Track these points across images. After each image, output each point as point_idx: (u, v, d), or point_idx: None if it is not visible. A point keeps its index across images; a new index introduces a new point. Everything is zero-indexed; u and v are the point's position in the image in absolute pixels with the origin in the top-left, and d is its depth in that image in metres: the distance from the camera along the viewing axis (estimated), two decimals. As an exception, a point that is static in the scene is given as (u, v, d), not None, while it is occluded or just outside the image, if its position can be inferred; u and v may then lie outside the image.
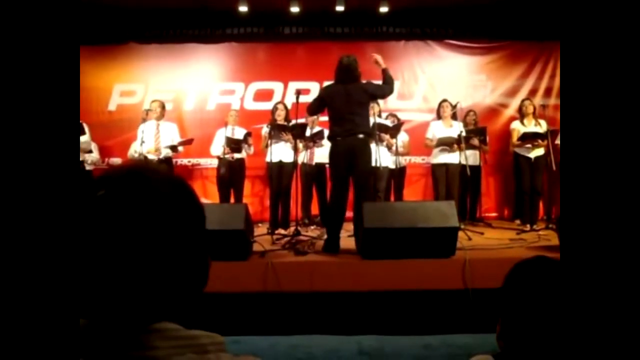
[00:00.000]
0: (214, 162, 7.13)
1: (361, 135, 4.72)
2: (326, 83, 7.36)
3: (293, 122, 6.33)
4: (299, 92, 5.68)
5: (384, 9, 7.35)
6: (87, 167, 6.72)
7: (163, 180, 0.76)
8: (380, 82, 5.03)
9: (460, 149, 6.39)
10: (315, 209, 7.03)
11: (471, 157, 6.68)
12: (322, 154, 6.64)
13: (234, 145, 6.57)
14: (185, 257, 0.75)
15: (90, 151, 6.67)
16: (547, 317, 1.15)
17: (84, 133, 6.18)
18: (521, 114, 6.68)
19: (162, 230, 0.72)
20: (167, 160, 6.49)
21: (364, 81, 4.90)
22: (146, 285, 0.71)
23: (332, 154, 4.79)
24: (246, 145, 6.72)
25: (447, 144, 6.51)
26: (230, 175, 6.69)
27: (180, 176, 0.82)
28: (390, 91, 5.16)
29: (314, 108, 5.01)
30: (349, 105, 4.68)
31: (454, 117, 6.80)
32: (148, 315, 0.72)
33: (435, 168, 6.72)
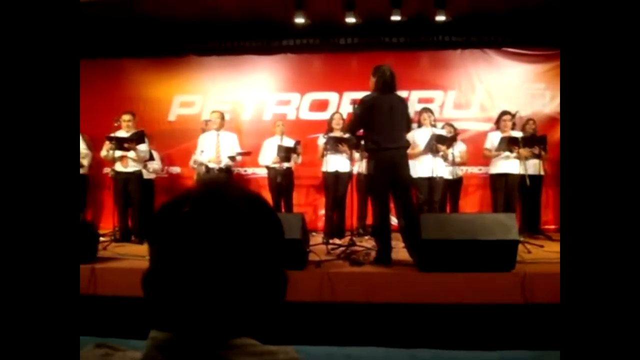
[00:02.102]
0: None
1: (402, 147, 4.69)
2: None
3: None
4: (355, 102, 5.68)
5: (440, 18, 7.27)
6: (147, 176, 6.92)
7: (242, 198, 0.78)
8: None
9: (520, 155, 6.20)
10: (370, 219, 7.00)
11: (531, 167, 6.49)
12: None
13: (284, 153, 6.63)
14: (264, 273, 0.77)
15: (152, 159, 6.86)
16: None
17: (144, 141, 6.36)
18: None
19: (243, 246, 0.74)
20: (227, 169, 6.60)
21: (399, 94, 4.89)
22: (227, 300, 0.73)
23: (375, 166, 4.71)
24: (295, 155, 6.78)
25: (510, 142, 6.30)
26: (281, 185, 6.77)
27: (257, 192, 0.84)
28: (407, 131, 5.09)
29: (358, 124, 4.89)
30: (391, 117, 4.63)
31: (513, 126, 6.66)
32: (228, 331, 0.73)
33: (494, 178, 6.57)
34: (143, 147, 6.40)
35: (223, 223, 0.74)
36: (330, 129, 6.58)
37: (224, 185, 0.80)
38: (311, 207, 7.91)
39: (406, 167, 4.74)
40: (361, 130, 4.93)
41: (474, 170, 7.69)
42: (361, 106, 4.79)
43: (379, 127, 4.65)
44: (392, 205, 4.78)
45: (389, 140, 4.61)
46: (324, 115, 7.46)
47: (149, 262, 0.78)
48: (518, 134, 6.48)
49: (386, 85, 4.69)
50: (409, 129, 5.06)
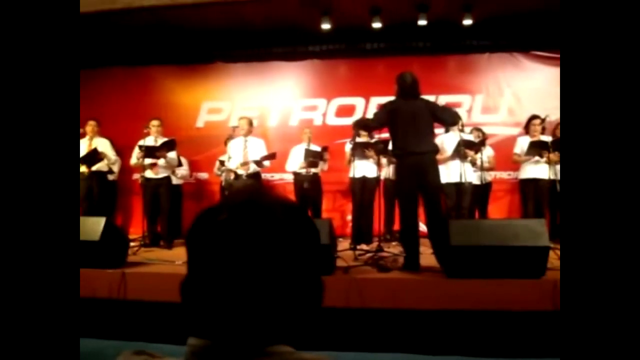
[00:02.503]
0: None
1: (428, 153, 4.66)
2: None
3: (376, 137, 6.34)
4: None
5: (467, 22, 7.22)
6: (175, 182, 7.00)
7: (279, 205, 0.78)
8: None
9: (549, 160, 6.11)
10: (397, 225, 6.96)
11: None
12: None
13: (312, 158, 6.64)
14: (301, 280, 0.77)
15: (180, 165, 6.94)
16: None
17: (174, 149, 6.45)
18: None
19: (280, 253, 0.74)
20: (256, 175, 6.64)
21: (425, 98, 4.86)
22: (264, 307, 0.73)
23: (400, 171, 4.73)
24: (322, 161, 6.78)
25: (540, 147, 6.21)
26: (309, 191, 6.77)
27: (293, 200, 0.85)
28: (453, 121, 5.13)
29: (378, 122, 4.94)
30: (415, 122, 4.62)
31: (542, 130, 6.56)
32: (265, 338, 0.73)
33: (524, 184, 6.49)
34: (172, 155, 6.51)
35: (260, 230, 0.74)
36: (357, 135, 6.56)
37: (261, 192, 0.81)
38: (338, 213, 7.91)
39: (435, 172, 4.70)
40: (386, 135, 4.96)
41: (503, 175, 7.61)
42: (382, 108, 4.89)
43: (403, 133, 4.66)
44: (421, 210, 4.76)
45: (413, 145, 4.60)
46: (350, 121, 7.45)
47: (186, 269, 0.78)
48: (547, 138, 6.38)
49: (407, 92, 4.72)
50: (446, 118, 5.02)
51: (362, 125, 5.54)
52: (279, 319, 0.75)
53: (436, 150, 4.85)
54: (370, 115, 7.50)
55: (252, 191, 0.81)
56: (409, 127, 4.62)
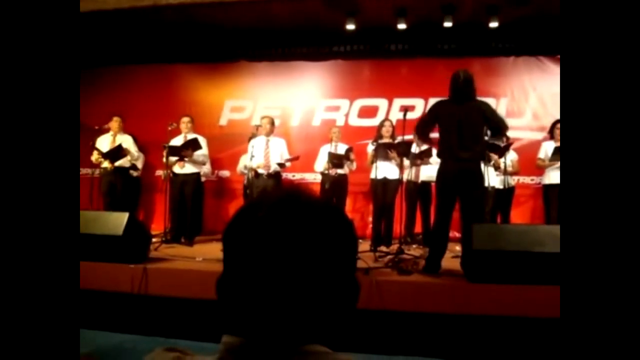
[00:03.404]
0: (318, 177, 7.25)
1: (474, 157, 4.55)
2: (432, 100, 7.31)
3: (399, 139, 6.31)
4: (406, 109, 5.63)
5: (493, 24, 7.14)
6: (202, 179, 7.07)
7: (317, 204, 0.78)
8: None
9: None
10: (418, 228, 6.92)
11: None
12: (428, 172, 6.55)
13: (336, 160, 6.63)
14: (337, 280, 0.76)
15: (204, 163, 7.01)
16: None
17: (200, 147, 6.51)
18: None
19: (317, 252, 0.74)
20: (276, 175, 6.66)
21: (480, 99, 4.72)
22: (301, 306, 0.73)
23: (441, 173, 4.66)
24: (348, 162, 6.76)
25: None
26: (333, 191, 6.75)
27: (330, 200, 0.84)
28: (501, 132, 5.04)
29: (425, 127, 4.82)
30: (463, 125, 4.50)
31: (567, 136, 6.48)
32: (301, 337, 0.73)
33: (548, 189, 6.40)
34: (201, 152, 6.62)
35: (299, 228, 0.74)
36: (380, 136, 6.54)
37: (300, 191, 0.80)
38: (359, 214, 7.88)
39: (479, 179, 4.60)
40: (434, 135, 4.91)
41: (527, 180, 7.52)
42: (428, 112, 4.80)
43: (446, 136, 4.57)
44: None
45: (456, 150, 4.51)
46: (373, 122, 7.44)
47: (223, 266, 0.78)
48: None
49: (458, 93, 4.58)
50: (500, 131, 4.94)
51: (419, 135, 5.35)
52: (315, 318, 0.74)
53: (481, 156, 4.74)
54: (392, 116, 7.50)
55: (290, 189, 0.80)
56: (452, 132, 4.51)
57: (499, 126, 4.78)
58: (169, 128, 6.52)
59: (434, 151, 5.96)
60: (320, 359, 0.72)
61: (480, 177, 4.64)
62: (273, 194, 0.81)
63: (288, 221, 0.74)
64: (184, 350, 0.79)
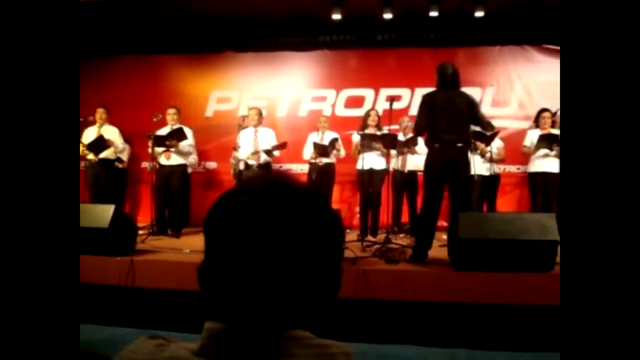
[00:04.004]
0: (305, 167, 7.24)
1: (461, 145, 4.62)
2: (418, 89, 7.33)
3: (385, 129, 6.32)
4: (392, 99, 5.64)
5: (479, 13, 7.15)
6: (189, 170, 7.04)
7: (301, 191, 0.78)
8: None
9: (560, 154, 6.05)
10: (405, 217, 6.95)
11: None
12: (414, 161, 6.59)
13: (321, 150, 6.63)
14: (320, 265, 0.77)
15: (191, 153, 6.98)
16: None
17: (185, 138, 6.46)
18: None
19: (300, 238, 0.74)
20: (267, 165, 6.64)
21: (465, 91, 4.81)
22: (284, 291, 0.73)
23: (429, 162, 4.70)
24: (335, 151, 6.76)
25: (550, 140, 6.17)
26: (320, 180, 6.75)
27: (314, 187, 0.84)
28: (489, 129, 5.17)
29: (422, 119, 4.72)
30: (450, 113, 4.58)
31: (552, 124, 6.51)
32: (284, 322, 0.73)
33: (533, 177, 6.45)
34: (187, 143, 6.56)
35: (281, 213, 0.74)
36: (365, 126, 6.55)
37: (283, 177, 0.80)
38: (346, 204, 7.90)
39: (466, 166, 4.68)
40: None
41: (512, 169, 7.57)
42: (421, 105, 4.78)
43: (436, 123, 4.62)
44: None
45: (446, 135, 4.58)
46: (359, 112, 7.43)
47: (204, 253, 0.78)
48: (558, 131, 6.34)
49: (446, 82, 4.70)
50: (482, 125, 5.04)
51: (419, 133, 5.39)
52: (297, 303, 0.75)
53: (468, 143, 4.83)
54: (378, 106, 7.50)
55: (273, 175, 0.80)
56: (443, 117, 4.59)
57: (486, 123, 5.01)
58: (155, 119, 6.48)
59: (420, 140, 5.99)
60: (302, 343, 0.72)
61: (467, 165, 4.70)
62: (255, 180, 0.80)
63: (269, 207, 0.74)
64: (167, 338, 0.79)
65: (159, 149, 6.46)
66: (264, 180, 0.79)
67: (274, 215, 0.73)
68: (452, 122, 4.57)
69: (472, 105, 4.75)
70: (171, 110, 6.72)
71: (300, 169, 7.67)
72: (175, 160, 6.56)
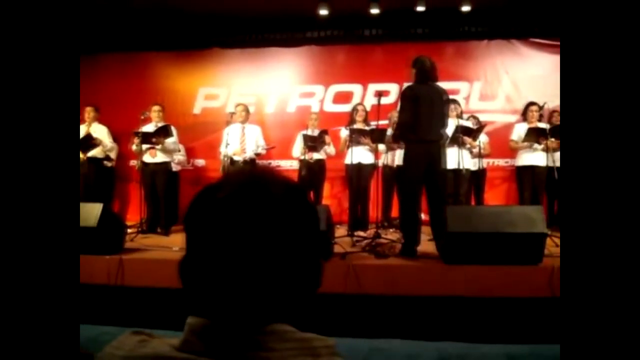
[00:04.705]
0: (295, 164, 7.24)
1: (439, 141, 4.66)
2: (406, 84, 7.33)
3: (373, 124, 6.32)
4: (380, 94, 5.66)
5: (466, 8, 7.17)
6: (173, 168, 6.99)
7: (280, 185, 0.78)
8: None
9: (547, 147, 6.08)
10: (395, 212, 6.96)
11: (559, 159, 6.36)
12: (404, 156, 6.60)
13: (311, 143, 6.62)
14: (300, 259, 0.77)
15: (179, 151, 6.94)
16: None
17: (171, 135, 6.43)
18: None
19: (279, 232, 0.74)
20: (252, 162, 6.63)
21: (442, 87, 4.83)
22: (264, 286, 0.73)
23: (412, 160, 4.67)
24: (326, 146, 6.76)
25: (537, 134, 6.21)
26: (310, 177, 6.75)
27: (295, 181, 0.84)
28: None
29: (410, 120, 4.60)
30: (431, 109, 4.59)
31: (539, 118, 6.55)
32: (264, 317, 0.73)
33: (521, 171, 6.49)
34: (171, 140, 6.51)
35: (259, 208, 0.74)
36: (353, 121, 6.56)
37: (264, 172, 0.80)
38: (336, 200, 7.90)
39: (441, 159, 4.72)
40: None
41: (500, 162, 7.61)
42: (405, 100, 4.69)
43: (420, 119, 4.57)
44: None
45: (426, 132, 4.58)
46: (348, 108, 7.42)
47: (185, 249, 0.78)
48: (545, 125, 6.37)
49: (426, 76, 4.66)
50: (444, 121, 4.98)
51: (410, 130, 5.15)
52: (278, 298, 0.75)
53: (444, 139, 4.87)
54: (367, 102, 7.50)
55: (253, 170, 0.80)
56: (424, 114, 4.56)
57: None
58: (142, 117, 6.44)
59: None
60: (283, 337, 0.73)
61: (444, 158, 4.79)
62: (235, 175, 0.81)
63: (247, 202, 0.74)
64: (150, 334, 0.79)
65: (144, 146, 6.40)
66: (244, 175, 0.79)
67: (251, 210, 0.73)
68: (434, 118, 4.60)
69: (447, 102, 4.81)
70: (156, 108, 6.64)
71: (290, 165, 7.67)
72: (159, 158, 6.51)
